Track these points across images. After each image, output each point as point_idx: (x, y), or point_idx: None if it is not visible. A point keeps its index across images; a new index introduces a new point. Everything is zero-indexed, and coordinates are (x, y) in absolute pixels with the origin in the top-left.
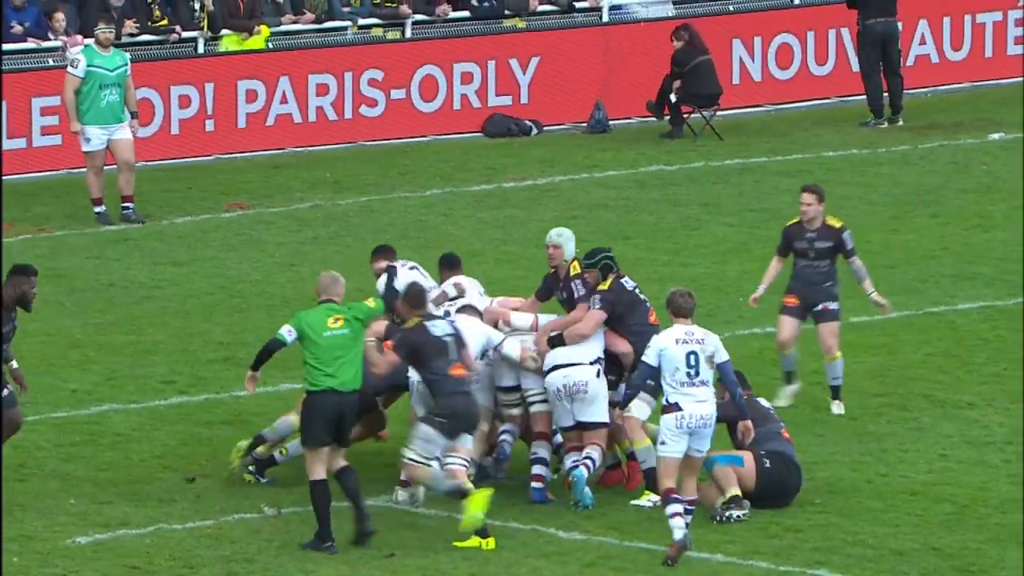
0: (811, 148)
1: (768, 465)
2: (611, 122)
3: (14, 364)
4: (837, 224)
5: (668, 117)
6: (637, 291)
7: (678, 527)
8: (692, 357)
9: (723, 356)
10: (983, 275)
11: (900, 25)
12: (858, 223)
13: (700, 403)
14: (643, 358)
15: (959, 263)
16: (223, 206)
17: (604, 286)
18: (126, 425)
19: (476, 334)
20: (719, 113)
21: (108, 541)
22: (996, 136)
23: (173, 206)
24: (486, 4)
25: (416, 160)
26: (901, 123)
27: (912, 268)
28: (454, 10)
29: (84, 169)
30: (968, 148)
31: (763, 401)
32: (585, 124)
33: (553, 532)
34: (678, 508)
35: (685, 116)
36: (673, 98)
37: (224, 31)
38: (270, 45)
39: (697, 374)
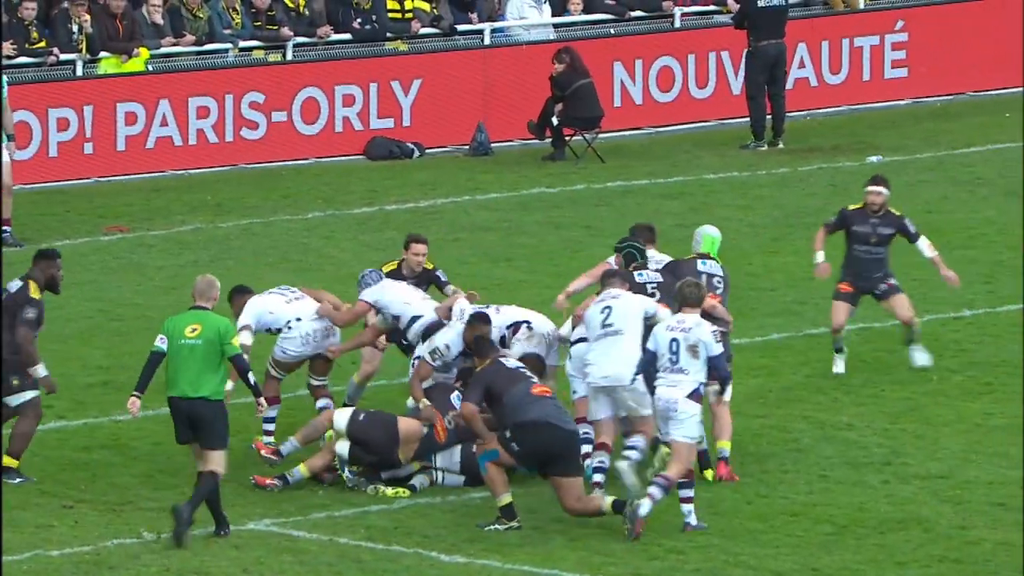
0: (692, 170)
1: (516, 446)
2: (493, 144)
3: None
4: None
5: (550, 139)
6: (650, 286)
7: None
8: (674, 344)
9: (714, 350)
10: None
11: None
12: (738, 245)
13: (670, 388)
14: (647, 344)
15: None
16: (102, 229)
17: None
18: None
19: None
20: (600, 136)
21: None
22: (874, 159)
23: (52, 229)
24: (367, 27)
25: (297, 183)
26: (782, 146)
27: (791, 290)
28: (335, 32)
29: None
30: (847, 171)
31: (509, 362)
32: (467, 146)
33: (435, 556)
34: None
35: (567, 138)
36: (555, 121)
37: (103, 53)
38: (150, 68)
39: (676, 361)
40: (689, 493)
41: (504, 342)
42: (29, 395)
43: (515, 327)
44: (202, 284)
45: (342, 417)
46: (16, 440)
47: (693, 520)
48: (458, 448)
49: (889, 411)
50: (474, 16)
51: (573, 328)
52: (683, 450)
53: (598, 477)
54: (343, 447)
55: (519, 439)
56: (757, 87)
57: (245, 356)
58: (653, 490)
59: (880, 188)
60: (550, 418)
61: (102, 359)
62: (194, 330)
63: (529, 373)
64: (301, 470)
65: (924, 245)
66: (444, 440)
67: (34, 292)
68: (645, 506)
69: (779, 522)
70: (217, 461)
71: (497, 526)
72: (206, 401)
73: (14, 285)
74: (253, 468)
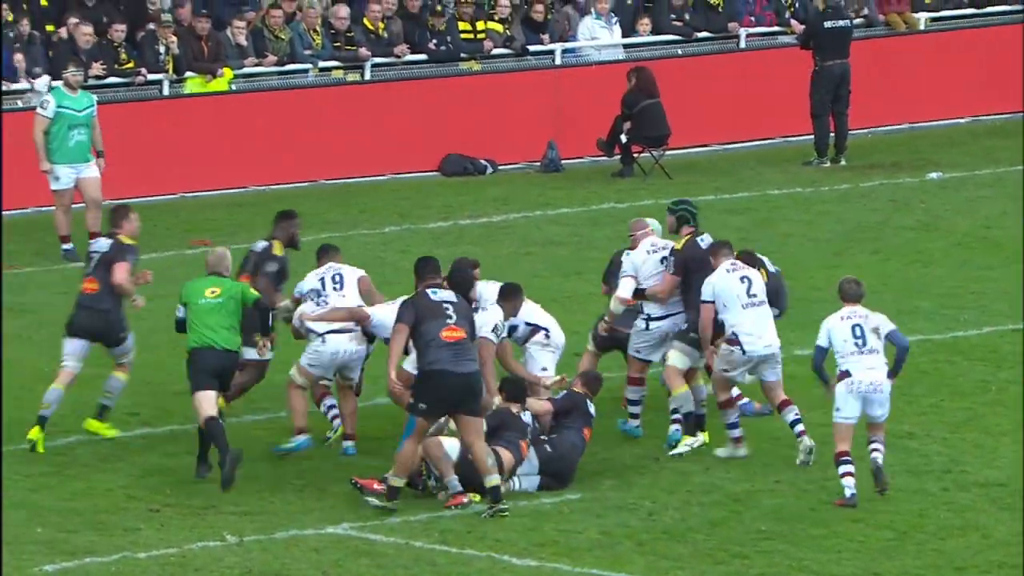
0: (756, 186)
1: (422, 405)
2: (563, 161)
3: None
4: None
5: (619, 156)
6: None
7: (848, 486)
8: (857, 329)
9: (889, 326)
10: (922, 309)
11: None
12: (801, 260)
13: (870, 370)
14: (816, 342)
15: (899, 298)
16: (188, 243)
17: (678, 245)
18: (92, 456)
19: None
20: (667, 153)
21: (74, 569)
22: (934, 175)
23: (140, 242)
24: (442, 47)
25: (374, 199)
26: (844, 163)
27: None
28: (412, 52)
29: (52, 207)
30: (907, 187)
31: (438, 295)
32: (538, 163)
33: (507, 559)
34: (849, 468)
35: (635, 155)
36: (624, 138)
37: (188, 73)
38: (233, 87)
39: (865, 343)
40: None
41: (517, 334)
42: (250, 353)
43: (535, 329)
44: (213, 258)
45: (453, 448)
46: (233, 390)
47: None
48: (534, 453)
49: (949, 421)
50: (545, 37)
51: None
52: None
53: (736, 432)
54: (452, 447)
55: (420, 393)
56: (822, 106)
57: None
58: (876, 447)
59: None
60: (444, 364)
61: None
62: (214, 292)
63: (450, 312)
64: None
65: None
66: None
67: (277, 249)
68: (880, 457)
69: (841, 528)
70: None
71: (375, 500)
72: (229, 352)
73: (260, 245)
74: (331, 472)
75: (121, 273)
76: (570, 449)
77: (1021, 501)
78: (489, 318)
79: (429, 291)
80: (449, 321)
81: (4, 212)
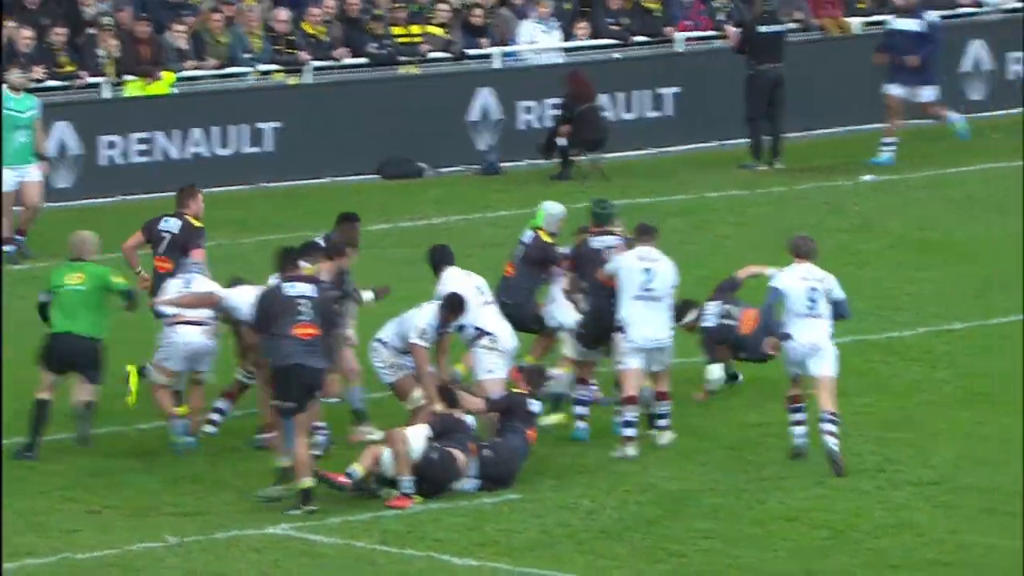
0: (693, 189)
1: (279, 400)
2: (502, 164)
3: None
4: None
5: (557, 159)
6: (603, 252)
7: (798, 435)
8: (813, 293)
9: (840, 295)
10: (857, 310)
11: None
12: (737, 262)
13: (811, 332)
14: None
15: None
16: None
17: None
18: None
19: None
20: (605, 156)
21: (14, 571)
22: (868, 178)
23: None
24: (382, 51)
25: (315, 201)
26: (779, 166)
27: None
28: (351, 56)
29: None
30: (841, 189)
31: (292, 289)
32: (478, 166)
33: (448, 559)
34: (799, 417)
35: (573, 158)
36: (562, 141)
37: (128, 77)
38: (174, 90)
39: (815, 308)
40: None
41: (464, 334)
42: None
43: (481, 333)
44: (78, 240)
45: (418, 443)
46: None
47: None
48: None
49: (883, 420)
50: (485, 41)
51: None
52: (833, 385)
53: (629, 431)
54: (417, 446)
55: (281, 393)
56: (757, 109)
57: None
58: (828, 428)
59: None
60: (297, 358)
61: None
62: (77, 278)
63: (303, 309)
64: (358, 469)
65: None
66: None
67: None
68: (832, 442)
69: (777, 527)
70: (92, 392)
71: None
72: (89, 339)
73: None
74: (272, 474)
75: (199, 258)
76: (511, 454)
77: (954, 499)
78: (418, 320)
79: (285, 284)
80: (301, 318)
81: None
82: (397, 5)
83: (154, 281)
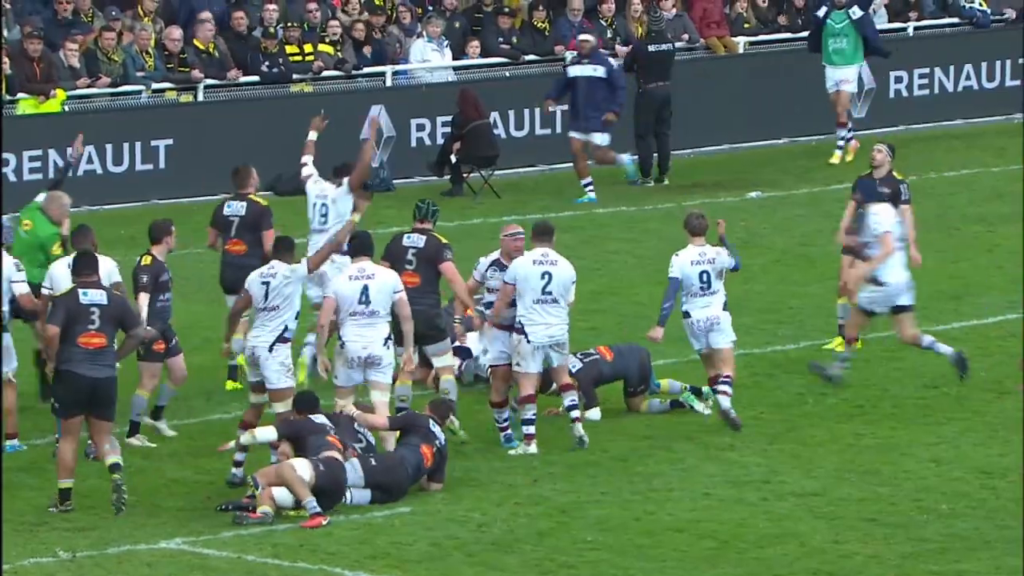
0: (582, 205)
1: (55, 403)
2: (395, 181)
3: None
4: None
5: (448, 176)
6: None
7: (723, 403)
8: (704, 275)
9: (728, 263)
10: (743, 324)
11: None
12: (626, 277)
13: (706, 308)
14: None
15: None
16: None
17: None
18: None
19: None
20: (496, 172)
21: None
22: (754, 195)
23: None
24: (274, 69)
25: (208, 218)
26: (667, 182)
27: (674, 317)
28: (243, 75)
29: None
30: (728, 205)
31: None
32: (369, 182)
33: (340, 571)
34: (724, 388)
35: (464, 175)
36: (453, 158)
37: (21, 95)
38: (66, 108)
39: (709, 286)
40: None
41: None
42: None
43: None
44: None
45: (305, 469)
46: None
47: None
48: (358, 463)
49: (767, 432)
50: (367, 52)
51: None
52: (731, 354)
53: (530, 429)
54: (304, 469)
55: (55, 394)
56: (645, 127)
57: None
58: (723, 388)
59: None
60: (75, 367)
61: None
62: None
63: (94, 318)
64: (269, 510)
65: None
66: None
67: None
68: (725, 401)
69: (665, 537)
70: None
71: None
72: None
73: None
74: (164, 487)
75: (270, 243)
76: (398, 462)
77: (836, 509)
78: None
79: (80, 291)
80: (91, 327)
81: None
82: (291, 24)
83: (225, 261)
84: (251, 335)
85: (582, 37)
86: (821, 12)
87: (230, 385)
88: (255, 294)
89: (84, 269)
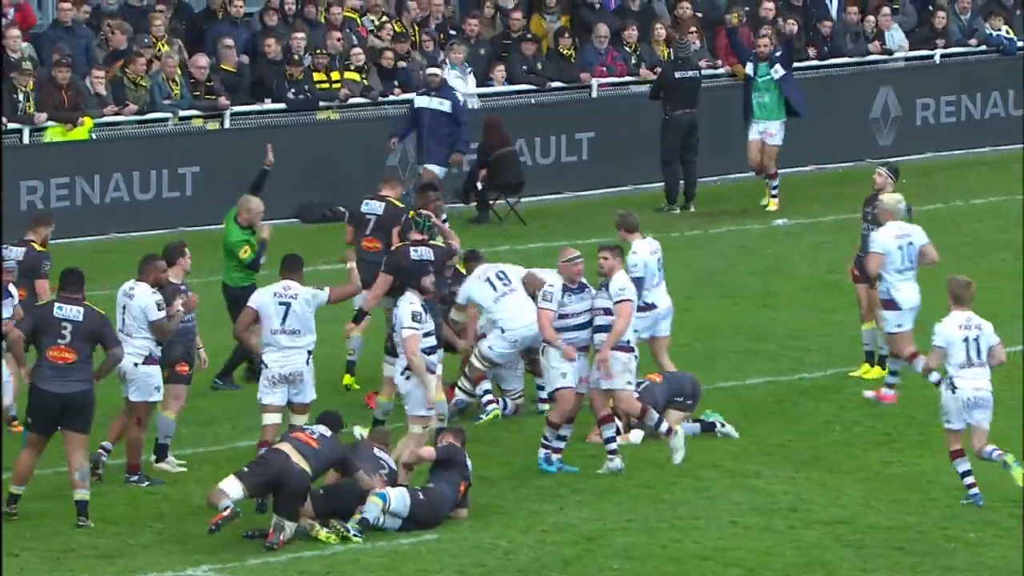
0: (609, 232)
1: (28, 417)
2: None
3: None
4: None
5: (475, 203)
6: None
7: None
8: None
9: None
10: (769, 351)
11: None
12: None
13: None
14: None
15: (747, 340)
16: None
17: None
18: None
19: None
20: (523, 200)
21: None
22: (780, 222)
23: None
24: (300, 96)
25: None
26: (693, 209)
27: (703, 344)
28: (271, 101)
29: None
30: (754, 233)
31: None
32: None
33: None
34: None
35: (491, 202)
36: (479, 186)
37: (49, 122)
38: (93, 136)
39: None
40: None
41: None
42: None
43: None
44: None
45: (235, 490)
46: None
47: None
48: (407, 495)
49: (795, 460)
50: (397, 89)
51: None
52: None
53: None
54: (233, 489)
55: (28, 408)
56: (671, 153)
57: None
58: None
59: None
60: (43, 382)
61: None
62: None
63: (66, 333)
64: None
65: None
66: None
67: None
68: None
69: (691, 566)
70: None
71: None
72: None
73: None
74: (191, 514)
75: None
76: (440, 500)
77: (863, 538)
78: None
79: (56, 305)
80: (61, 342)
81: None
82: (319, 52)
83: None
84: (276, 357)
85: (430, 71)
86: (749, 68)
87: (348, 379)
88: (268, 315)
89: (69, 285)
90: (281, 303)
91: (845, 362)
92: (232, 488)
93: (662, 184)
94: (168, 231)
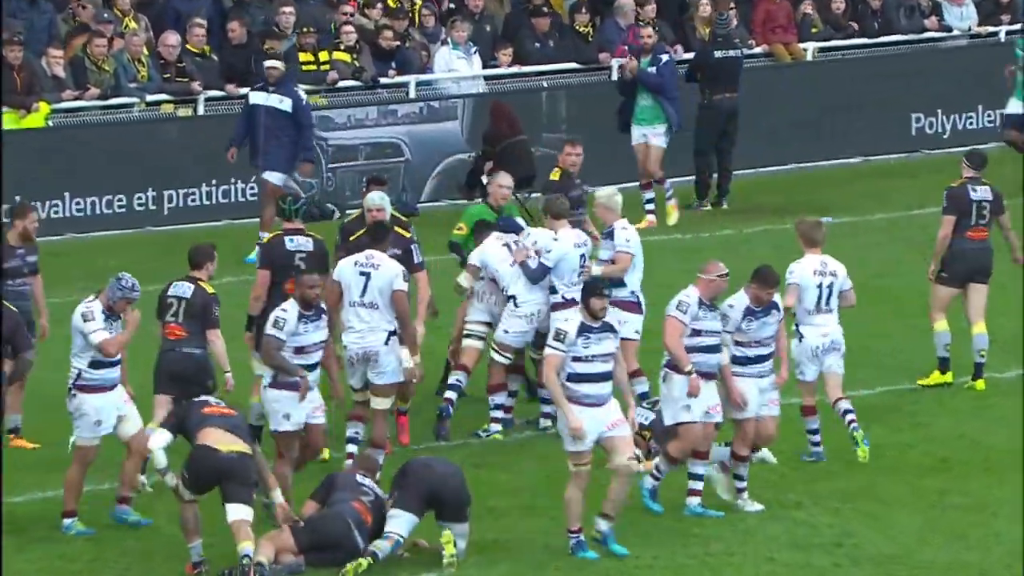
0: None
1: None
2: (419, 205)
3: None
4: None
5: (480, 199)
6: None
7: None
8: (583, 259)
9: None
10: None
11: None
12: None
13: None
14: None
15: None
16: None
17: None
18: None
19: None
20: (535, 195)
21: None
22: (824, 220)
23: None
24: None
25: (223, 243)
26: (726, 206)
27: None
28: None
29: None
30: (794, 233)
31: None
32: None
33: None
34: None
35: None
36: (485, 179)
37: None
38: (50, 123)
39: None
40: None
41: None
42: None
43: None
44: None
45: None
46: None
47: None
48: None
49: (840, 488)
50: (392, 71)
51: None
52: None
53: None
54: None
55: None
56: (707, 142)
57: None
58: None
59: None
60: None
61: None
62: None
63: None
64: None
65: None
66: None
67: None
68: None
69: None
70: None
71: None
72: None
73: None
74: (158, 550)
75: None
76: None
77: None
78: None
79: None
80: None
81: None
82: (306, 29)
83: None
84: (354, 338)
85: (268, 64)
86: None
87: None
88: (348, 285)
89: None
90: (362, 273)
91: (896, 378)
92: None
93: (691, 178)
94: (134, 231)
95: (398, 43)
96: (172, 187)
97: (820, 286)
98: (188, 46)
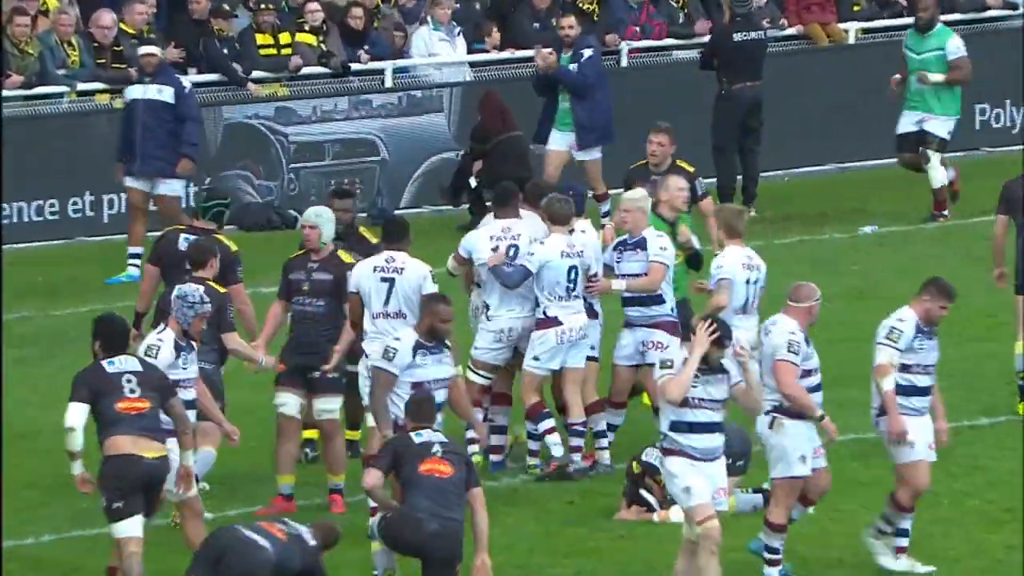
0: None
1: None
2: (397, 212)
3: None
4: None
5: (467, 205)
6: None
7: (555, 443)
8: (572, 271)
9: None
10: (855, 400)
11: None
12: None
13: (576, 315)
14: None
15: (826, 384)
16: None
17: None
18: None
19: None
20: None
21: None
22: (868, 229)
23: None
24: (234, 63)
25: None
26: (754, 212)
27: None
28: (199, 72)
29: None
30: (834, 244)
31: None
32: (365, 214)
33: None
34: (549, 424)
35: (487, 203)
36: (473, 182)
37: None
38: None
39: (575, 288)
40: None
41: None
42: None
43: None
44: None
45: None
46: None
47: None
48: None
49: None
50: (365, 56)
51: None
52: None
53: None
54: None
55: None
56: (728, 138)
57: None
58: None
59: None
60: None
61: None
62: None
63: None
64: None
65: None
66: None
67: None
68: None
69: None
70: None
71: None
72: None
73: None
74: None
75: None
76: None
77: None
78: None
79: None
80: None
81: None
82: (265, 7)
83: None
84: (376, 347)
85: (143, 50)
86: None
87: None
88: (368, 294)
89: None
90: (384, 279)
91: (956, 413)
92: None
93: (713, 179)
94: (64, 242)
95: (369, 20)
96: (111, 191)
97: (748, 282)
98: (125, 26)
